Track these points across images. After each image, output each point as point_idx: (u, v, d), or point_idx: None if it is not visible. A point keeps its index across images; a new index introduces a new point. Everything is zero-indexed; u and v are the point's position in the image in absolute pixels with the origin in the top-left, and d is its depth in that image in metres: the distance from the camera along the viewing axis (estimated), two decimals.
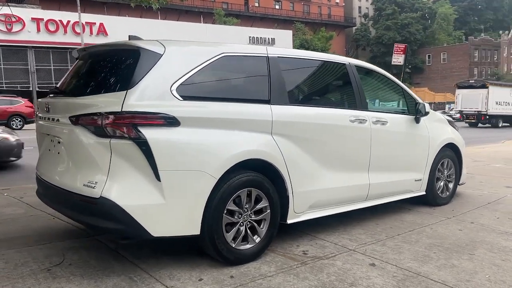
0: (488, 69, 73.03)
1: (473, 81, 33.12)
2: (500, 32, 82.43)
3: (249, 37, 41.23)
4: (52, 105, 3.52)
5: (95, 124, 3.01)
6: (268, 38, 42.53)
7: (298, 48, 45.32)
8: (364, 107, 4.46)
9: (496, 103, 29.93)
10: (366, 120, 4.39)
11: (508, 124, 30.92)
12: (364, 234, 4.32)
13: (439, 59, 74.47)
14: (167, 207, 3.04)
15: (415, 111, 5.01)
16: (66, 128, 3.26)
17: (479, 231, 4.46)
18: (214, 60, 3.44)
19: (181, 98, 3.17)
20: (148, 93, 3.05)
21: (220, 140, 3.30)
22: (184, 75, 3.24)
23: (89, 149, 3.06)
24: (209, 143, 3.24)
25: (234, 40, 38.82)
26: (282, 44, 41.52)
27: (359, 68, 4.61)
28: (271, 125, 3.60)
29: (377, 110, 4.70)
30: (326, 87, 4.50)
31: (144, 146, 2.94)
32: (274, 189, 3.60)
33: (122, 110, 2.94)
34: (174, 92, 3.16)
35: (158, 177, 2.98)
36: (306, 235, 4.21)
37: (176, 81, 3.19)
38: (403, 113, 5.01)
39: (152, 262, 3.48)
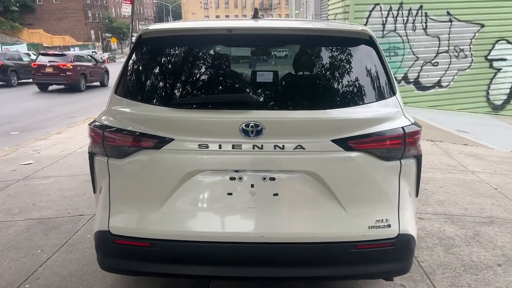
0: (100, 12, 75.45)
1: None
2: None
3: None
4: (271, 125, 2.20)
5: (388, 145, 2.29)
6: None
7: None
8: None
9: None
10: None
11: None
12: None
13: None
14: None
15: None
16: (324, 156, 2.25)
17: None
18: None
19: None
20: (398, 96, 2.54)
21: None
22: None
23: (377, 178, 2.32)
24: None
25: None
26: None
27: None
28: None
29: None
30: None
31: (419, 160, 2.52)
32: None
33: (413, 122, 2.40)
34: None
35: (417, 192, 2.64)
36: None
37: None
38: None
39: None
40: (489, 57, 11.68)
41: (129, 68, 2.48)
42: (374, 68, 2.43)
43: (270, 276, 2.40)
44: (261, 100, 2.34)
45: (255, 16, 2.80)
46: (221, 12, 79.88)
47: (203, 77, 2.47)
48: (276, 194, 2.31)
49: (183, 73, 2.45)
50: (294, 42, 2.61)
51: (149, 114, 2.31)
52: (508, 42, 11.61)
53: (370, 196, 2.36)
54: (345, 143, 2.26)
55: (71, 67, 18.95)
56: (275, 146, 2.24)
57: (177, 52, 2.51)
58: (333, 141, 2.25)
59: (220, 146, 2.26)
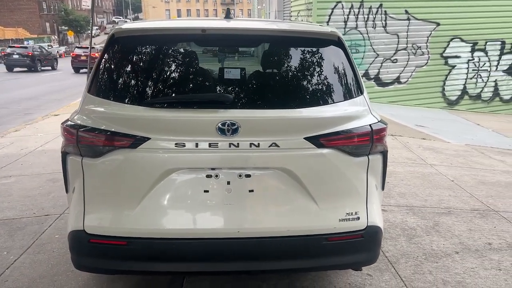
0: (56, 4, 72.72)
1: None
2: None
3: None
4: (246, 123, 2.25)
5: (357, 142, 2.41)
6: None
7: None
8: None
9: None
10: None
11: None
12: None
13: None
14: None
15: None
16: (297, 153, 2.33)
17: None
18: None
19: None
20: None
21: None
22: None
23: (346, 174, 2.43)
24: None
25: None
26: None
27: None
28: None
29: None
30: None
31: (385, 156, 2.65)
32: None
33: (379, 120, 2.52)
34: None
35: (383, 186, 2.78)
36: None
37: None
38: None
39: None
40: (444, 55, 12.22)
41: (101, 67, 2.46)
42: (342, 68, 2.54)
43: (246, 269, 2.47)
44: (237, 99, 2.39)
45: (227, 16, 2.85)
46: (182, 6, 78.87)
47: (178, 76, 2.50)
48: (251, 191, 2.37)
49: (157, 72, 2.47)
50: (266, 42, 2.68)
51: (125, 113, 2.32)
52: (462, 40, 12.17)
53: (341, 191, 2.47)
54: (317, 141, 2.35)
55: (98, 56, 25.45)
56: (250, 144, 2.30)
57: (150, 51, 2.52)
58: (305, 138, 2.34)
59: (197, 145, 2.29)
